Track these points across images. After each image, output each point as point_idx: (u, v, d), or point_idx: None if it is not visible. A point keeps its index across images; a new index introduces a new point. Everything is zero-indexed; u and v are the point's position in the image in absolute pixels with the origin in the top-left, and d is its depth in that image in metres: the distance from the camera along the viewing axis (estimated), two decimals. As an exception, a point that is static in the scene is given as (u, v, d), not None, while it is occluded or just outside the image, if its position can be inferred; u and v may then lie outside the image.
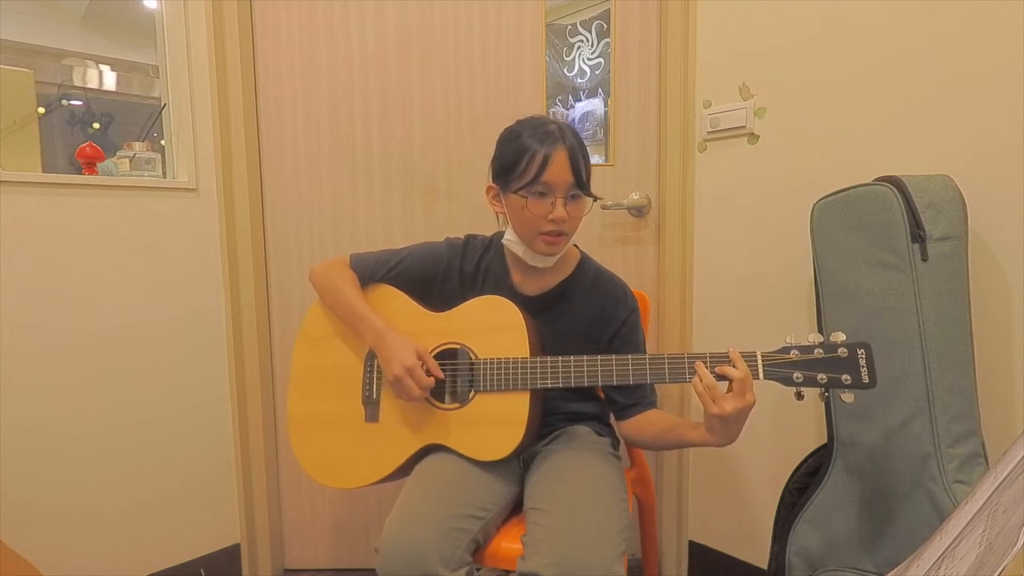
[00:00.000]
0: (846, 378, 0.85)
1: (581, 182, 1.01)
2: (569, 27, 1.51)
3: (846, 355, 0.86)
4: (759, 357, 0.88)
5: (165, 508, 1.48)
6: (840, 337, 0.87)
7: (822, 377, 0.86)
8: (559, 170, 0.99)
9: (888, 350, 1.00)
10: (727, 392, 0.86)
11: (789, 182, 1.28)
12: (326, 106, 1.53)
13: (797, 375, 0.87)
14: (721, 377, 0.87)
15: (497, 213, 1.11)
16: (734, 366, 0.86)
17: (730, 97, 1.35)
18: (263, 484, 1.59)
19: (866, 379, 0.85)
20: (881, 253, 1.01)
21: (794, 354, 0.87)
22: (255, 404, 1.57)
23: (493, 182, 1.08)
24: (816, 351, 0.87)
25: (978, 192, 1.02)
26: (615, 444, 1.16)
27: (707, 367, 0.88)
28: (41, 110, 1.36)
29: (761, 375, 0.88)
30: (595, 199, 1.05)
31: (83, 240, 1.34)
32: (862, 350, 0.86)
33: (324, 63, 1.52)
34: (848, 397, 0.86)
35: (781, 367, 0.87)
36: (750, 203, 1.35)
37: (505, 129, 1.07)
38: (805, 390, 0.87)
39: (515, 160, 1.01)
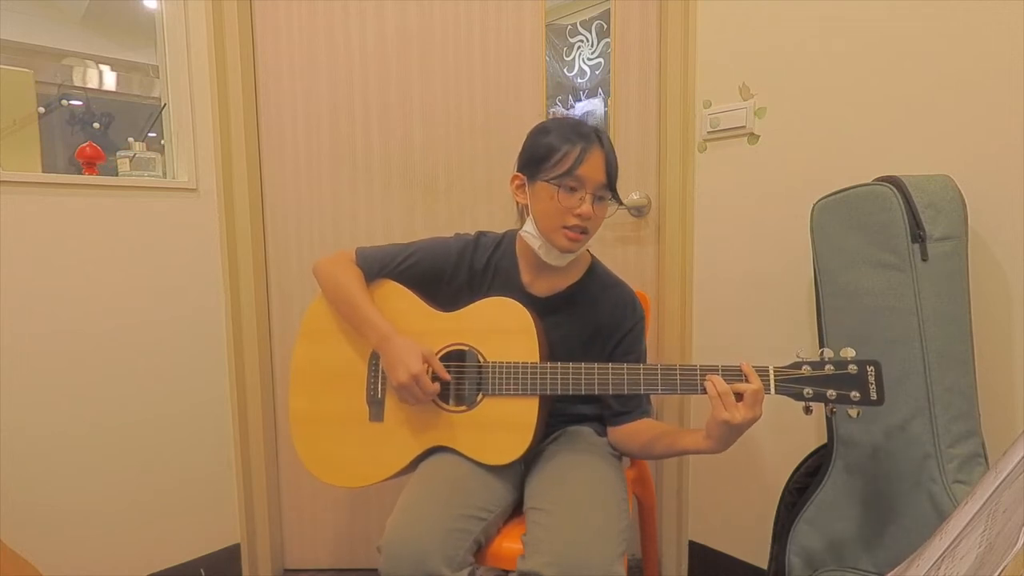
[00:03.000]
0: (855, 395, 0.87)
1: (612, 183, 1.02)
2: (569, 27, 1.51)
3: (856, 372, 0.87)
4: (771, 372, 0.89)
5: (165, 508, 1.48)
6: (850, 353, 0.88)
7: (832, 393, 0.87)
8: (594, 168, 0.99)
9: (888, 350, 1.00)
10: (738, 402, 0.87)
11: (789, 182, 1.28)
12: (326, 106, 1.53)
13: (807, 391, 0.88)
14: (734, 391, 0.88)
15: (519, 204, 1.09)
16: (747, 380, 0.87)
17: (730, 97, 1.35)
18: (263, 484, 1.59)
19: (874, 396, 0.86)
20: (881, 253, 1.01)
21: (806, 369, 0.89)
22: (255, 404, 1.57)
23: (519, 172, 1.07)
24: (827, 367, 0.88)
25: (978, 192, 1.02)
26: (615, 444, 1.17)
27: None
28: (41, 110, 1.35)
29: (773, 390, 0.89)
30: (620, 204, 1.07)
31: (83, 240, 1.34)
32: (871, 367, 0.87)
33: (324, 63, 1.52)
34: (855, 412, 0.87)
35: (793, 382, 0.89)
36: (750, 203, 1.35)
37: (536, 124, 1.08)
38: (814, 405, 0.89)
39: (548, 151, 1.01)
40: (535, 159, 1.03)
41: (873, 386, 0.86)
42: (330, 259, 1.12)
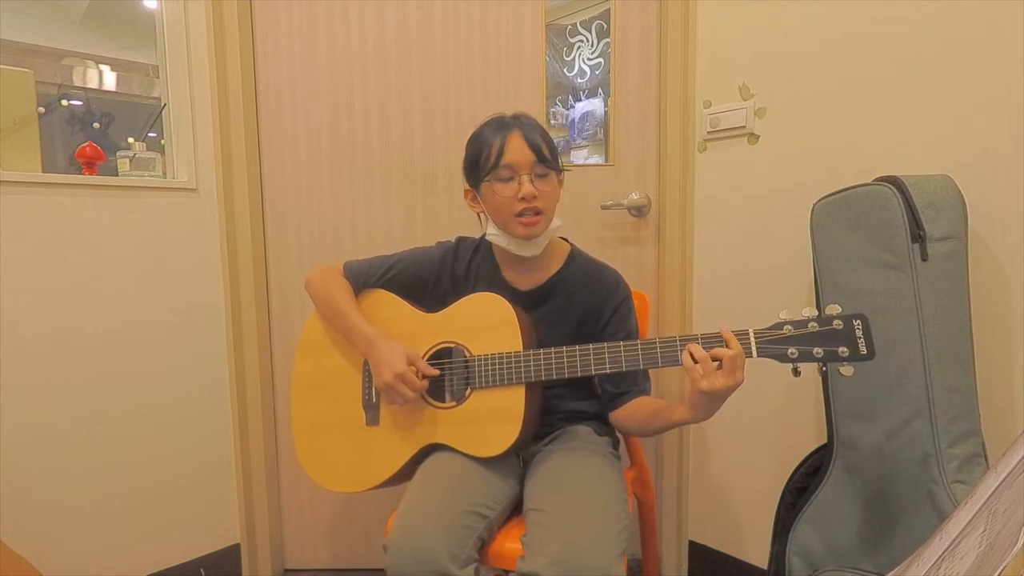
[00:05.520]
0: (843, 351, 0.83)
1: (543, 157, 1.02)
2: (569, 27, 1.51)
3: (842, 327, 0.83)
4: (752, 335, 0.87)
5: (165, 508, 1.48)
6: (835, 309, 0.85)
7: (818, 351, 0.84)
8: (518, 151, 1.01)
9: (888, 350, 0.99)
10: (718, 369, 0.85)
11: (789, 182, 1.28)
12: (326, 106, 1.53)
13: (792, 351, 0.85)
14: (715, 358, 0.86)
15: (478, 213, 1.12)
16: (727, 345, 0.85)
17: (730, 97, 1.35)
18: (263, 484, 1.59)
19: (863, 350, 0.82)
20: (881, 253, 1.01)
21: (787, 329, 0.85)
22: (255, 404, 1.57)
23: (467, 185, 1.11)
24: (810, 325, 0.85)
25: (978, 192, 1.02)
26: (615, 444, 1.16)
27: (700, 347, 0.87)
28: (41, 110, 1.35)
29: (755, 353, 0.86)
30: (561, 171, 1.07)
31: (83, 240, 1.34)
32: (858, 321, 0.83)
33: (324, 63, 1.52)
34: (847, 370, 0.84)
35: (775, 343, 0.86)
36: (750, 203, 1.35)
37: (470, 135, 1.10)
38: (802, 366, 0.85)
39: (477, 155, 1.05)
40: (471, 167, 1.07)
41: (862, 340, 0.82)
42: (319, 274, 1.15)
